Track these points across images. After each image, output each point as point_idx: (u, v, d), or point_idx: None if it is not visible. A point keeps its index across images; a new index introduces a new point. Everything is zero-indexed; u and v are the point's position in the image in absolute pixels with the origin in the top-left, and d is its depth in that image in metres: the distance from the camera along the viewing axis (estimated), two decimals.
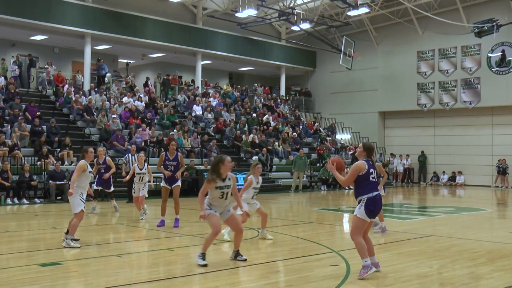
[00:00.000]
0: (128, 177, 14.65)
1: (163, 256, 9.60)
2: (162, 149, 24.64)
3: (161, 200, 13.01)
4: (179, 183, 12.98)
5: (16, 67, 27.46)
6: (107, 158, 15.81)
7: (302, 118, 36.77)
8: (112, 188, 16.13)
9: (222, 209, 8.80)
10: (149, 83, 31.79)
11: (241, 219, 10.22)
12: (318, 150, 31.57)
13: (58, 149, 22.22)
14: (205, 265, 8.39)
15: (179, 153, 13.00)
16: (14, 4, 25.98)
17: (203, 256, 8.50)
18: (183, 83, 34.50)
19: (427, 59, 34.57)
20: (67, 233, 9.98)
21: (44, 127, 23.27)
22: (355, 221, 7.96)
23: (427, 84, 34.54)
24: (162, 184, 12.95)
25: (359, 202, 7.92)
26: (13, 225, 13.68)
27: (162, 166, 12.86)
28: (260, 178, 11.26)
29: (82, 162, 10.03)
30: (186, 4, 33.68)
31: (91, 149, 10.35)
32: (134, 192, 14.13)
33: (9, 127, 22.11)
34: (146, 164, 14.04)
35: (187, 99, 31.61)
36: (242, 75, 41.85)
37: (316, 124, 36.07)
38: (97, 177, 16.06)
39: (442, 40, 33.44)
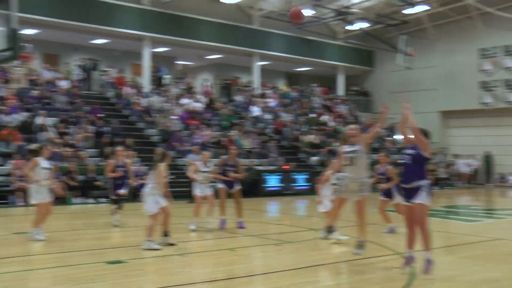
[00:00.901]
0: (193, 176, 12.71)
1: (225, 256, 9.64)
2: (222, 150, 24.87)
3: (220, 201, 12.78)
4: (239, 186, 12.92)
5: (80, 70, 28.25)
6: (127, 160, 13.70)
7: (361, 118, 36.37)
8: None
9: None
10: (207, 84, 32.08)
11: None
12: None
13: None
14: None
15: (238, 158, 12.96)
16: (76, 9, 26.67)
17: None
18: (241, 84, 34.68)
19: (491, 56, 33.61)
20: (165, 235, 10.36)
21: (107, 128, 23.81)
22: (423, 210, 7.66)
23: (491, 82, 33.59)
24: (220, 186, 12.78)
25: (418, 189, 7.63)
26: (80, 224, 14.02)
27: (220, 170, 12.74)
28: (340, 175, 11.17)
29: (163, 165, 10.18)
30: (242, 6, 33.83)
31: (170, 153, 10.60)
32: (200, 192, 12.61)
33: (73, 128, 22.73)
34: (211, 164, 13.06)
35: (244, 100, 31.75)
36: (298, 76, 41.71)
37: (376, 124, 35.51)
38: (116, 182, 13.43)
39: (507, 36, 32.44)
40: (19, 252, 9.93)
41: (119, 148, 13.82)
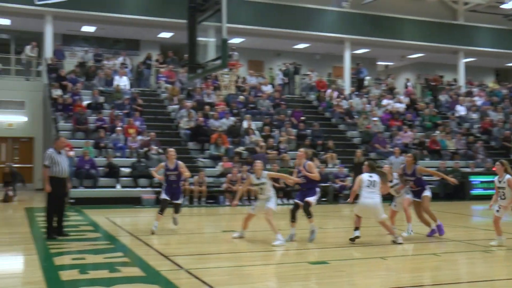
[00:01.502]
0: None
1: (429, 261, 9.34)
2: (425, 151, 24.18)
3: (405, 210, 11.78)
4: (427, 193, 11.47)
5: (283, 74, 29.30)
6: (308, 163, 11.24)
7: None
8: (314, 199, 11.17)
9: None
10: (408, 84, 31.41)
11: None
12: None
13: (322, 152, 23.05)
14: None
15: (417, 166, 11.64)
16: (279, 16, 27.75)
17: None
18: (445, 83, 33.42)
19: None
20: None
21: (308, 131, 24.35)
22: None
23: None
24: (411, 197, 11.67)
25: None
26: (282, 224, 14.47)
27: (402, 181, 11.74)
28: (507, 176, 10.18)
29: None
30: (445, 1, 32.55)
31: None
32: (395, 206, 11.91)
33: (277, 131, 23.61)
34: (395, 175, 12.02)
35: (449, 99, 30.53)
36: (509, 71, 39.00)
37: None
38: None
39: None
40: (227, 249, 10.58)
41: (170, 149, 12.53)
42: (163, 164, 12.34)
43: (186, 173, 12.34)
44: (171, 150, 12.31)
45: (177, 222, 12.34)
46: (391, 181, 11.70)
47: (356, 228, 10.57)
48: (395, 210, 11.88)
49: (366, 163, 11.12)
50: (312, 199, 10.93)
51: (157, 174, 12.72)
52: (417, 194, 11.51)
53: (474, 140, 26.48)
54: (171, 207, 12.20)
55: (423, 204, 11.40)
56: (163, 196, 12.03)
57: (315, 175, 10.88)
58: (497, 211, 10.36)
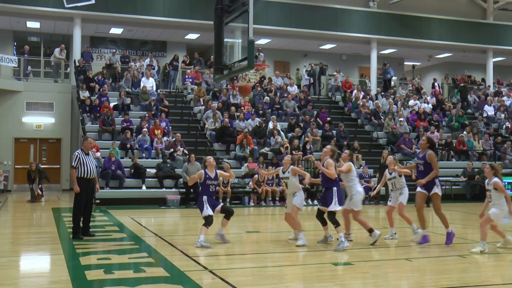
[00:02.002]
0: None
1: (455, 263, 9.24)
2: (452, 152, 23.95)
3: (416, 208, 11.15)
4: (438, 190, 10.72)
5: (309, 76, 29.23)
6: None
7: None
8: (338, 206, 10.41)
9: None
10: (436, 84, 31.10)
11: None
12: None
13: None
14: None
15: (429, 151, 10.79)
16: (306, 17, 27.69)
17: None
18: (473, 83, 33.03)
19: None
20: None
21: (334, 132, 24.25)
22: None
23: None
24: (418, 189, 10.99)
25: None
26: (309, 225, 14.45)
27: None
28: None
29: None
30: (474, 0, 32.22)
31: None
32: (390, 200, 11.66)
33: (302, 132, 23.55)
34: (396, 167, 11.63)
35: (477, 100, 30.17)
36: None
37: None
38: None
39: None
40: (251, 249, 10.64)
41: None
42: (202, 172, 10.64)
43: (231, 175, 11.43)
44: (210, 158, 10.85)
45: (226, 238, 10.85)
46: (390, 173, 11.51)
47: (372, 229, 10.50)
48: (392, 205, 11.53)
49: (347, 151, 10.94)
50: (335, 208, 10.11)
51: (192, 179, 11.49)
52: (427, 188, 10.76)
53: (502, 140, 26.13)
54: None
55: (434, 203, 10.72)
56: (209, 212, 10.41)
57: (330, 172, 10.06)
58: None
